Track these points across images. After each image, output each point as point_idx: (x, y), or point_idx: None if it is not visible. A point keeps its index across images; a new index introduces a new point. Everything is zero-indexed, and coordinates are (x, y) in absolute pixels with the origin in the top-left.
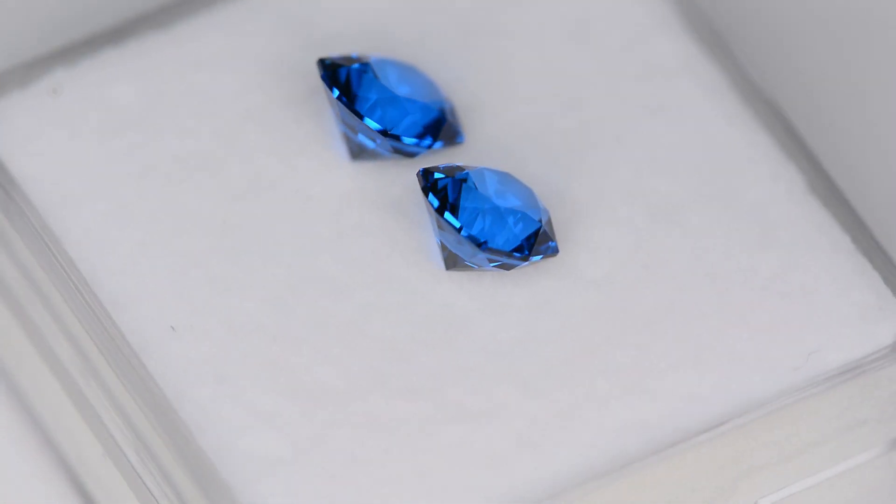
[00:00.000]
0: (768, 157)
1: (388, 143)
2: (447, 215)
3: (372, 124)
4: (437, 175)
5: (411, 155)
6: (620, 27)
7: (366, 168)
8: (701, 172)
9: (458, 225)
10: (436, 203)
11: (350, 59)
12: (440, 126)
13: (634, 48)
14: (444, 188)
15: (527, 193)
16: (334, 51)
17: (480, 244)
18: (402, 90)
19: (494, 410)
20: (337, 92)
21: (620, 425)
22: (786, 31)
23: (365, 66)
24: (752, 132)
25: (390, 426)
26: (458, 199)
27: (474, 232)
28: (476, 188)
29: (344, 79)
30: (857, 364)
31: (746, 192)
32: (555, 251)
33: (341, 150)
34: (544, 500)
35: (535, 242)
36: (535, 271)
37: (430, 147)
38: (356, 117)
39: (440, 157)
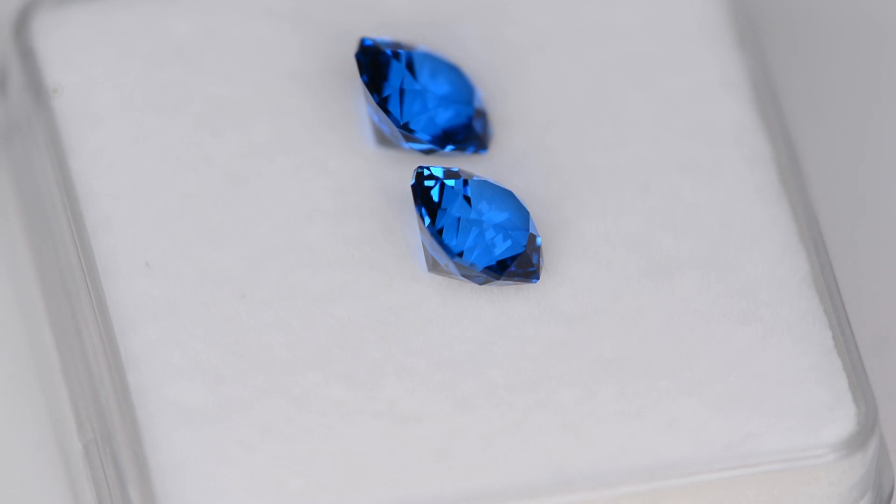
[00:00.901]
0: (782, 237)
1: (402, 134)
2: (426, 218)
3: (390, 113)
4: (432, 172)
5: (429, 152)
6: (687, 78)
7: (385, 155)
8: (710, 237)
9: (433, 228)
10: (420, 204)
11: (395, 45)
12: (465, 132)
13: (693, 101)
14: (433, 190)
15: (522, 216)
16: (399, 35)
17: (453, 254)
18: (433, 87)
19: (423, 417)
20: (365, 74)
21: (539, 460)
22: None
23: (401, 54)
24: (776, 208)
25: (318, 407)
26: (442, 203)
27: (448, 240)
28: (467, 198)
29: (377, 62)
30: (791, 456)
31: (745, 267)
32: (532, 278)
33: (368, 133)
34: None
35: (512, 265)
36: (513, 292)
37: (443, 149)
38: (375, 103)
39: (459, 162)
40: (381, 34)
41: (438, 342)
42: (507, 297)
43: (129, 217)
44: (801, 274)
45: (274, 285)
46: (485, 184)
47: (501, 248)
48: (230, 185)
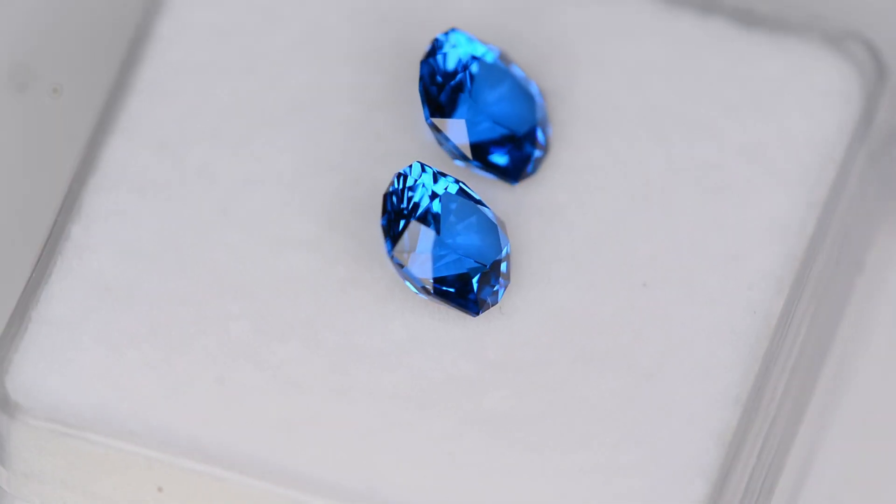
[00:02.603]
0: (776, 287)
1: (438, 137)
2: (383, 221)
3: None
4: (405, 175)
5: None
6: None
7: (426, 149)
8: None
9: (385, 227)
10: (384, 214)
11: (470, 47)
12: (510, 152)
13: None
14: (399, 193)
15: (490, 242)
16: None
17: (400, 265)
18: (488, 97)
19: (342, 408)
20: (422, 69)
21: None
22: None
23: (464, 59)
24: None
25: (218, 390)
26: (405, 210)
27: (390, 249)
28: (432, 209)
29: (438, 61)
30: None
31: (729, 320)
32: (475, 307)
33: (426, 133)
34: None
35: (457, 287)
36: (481, 321)
37: (469, 164)
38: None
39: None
40: (485, 35)
41: (376, 347)
42: (468, 325)
43: (129, 150)
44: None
45: (230, 254)
46: (460, 200)
47: (449, 267)
48: (250, 148)
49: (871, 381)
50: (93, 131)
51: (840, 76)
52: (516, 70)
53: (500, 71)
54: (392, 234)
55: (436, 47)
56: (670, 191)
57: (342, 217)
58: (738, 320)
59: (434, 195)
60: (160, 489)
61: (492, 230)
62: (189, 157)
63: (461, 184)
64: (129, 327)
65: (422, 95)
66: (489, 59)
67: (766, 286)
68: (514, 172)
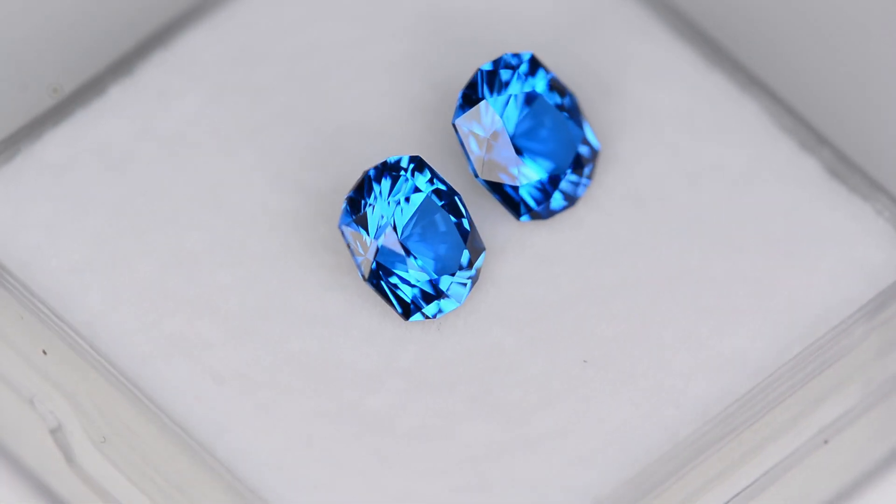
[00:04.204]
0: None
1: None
2: (352, 194)
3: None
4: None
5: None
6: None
7: (453, 162)
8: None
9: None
10: (347, 210)
11: (525, 78)
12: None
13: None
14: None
15: (450, 256)
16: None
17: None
18: (519, 128)
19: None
20: (465, 93)
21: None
22: None
23: (503, 88)
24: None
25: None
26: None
27: (359, 262)
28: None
29: (482, 85)
30: None
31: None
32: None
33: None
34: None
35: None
36: (445, 336)
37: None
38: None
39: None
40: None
41: (337, 348)
42: (426, 335)
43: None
44: None
45: (206, 235)
46: (412, 217)
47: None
48: (265, 133)
49: None
50: None
51: (880, 254)
52: (568, 101)
53: (546, 107)
54: (355, 214)
55: (498, 66)
56: (655, 284)
57: None
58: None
59: (416, 190)
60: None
61: (457, 245)
62: None
63: (457, 197)
64: None
65: (460, 100)
66: (541, 89)
67: (691, 409)
68: (536, 213)
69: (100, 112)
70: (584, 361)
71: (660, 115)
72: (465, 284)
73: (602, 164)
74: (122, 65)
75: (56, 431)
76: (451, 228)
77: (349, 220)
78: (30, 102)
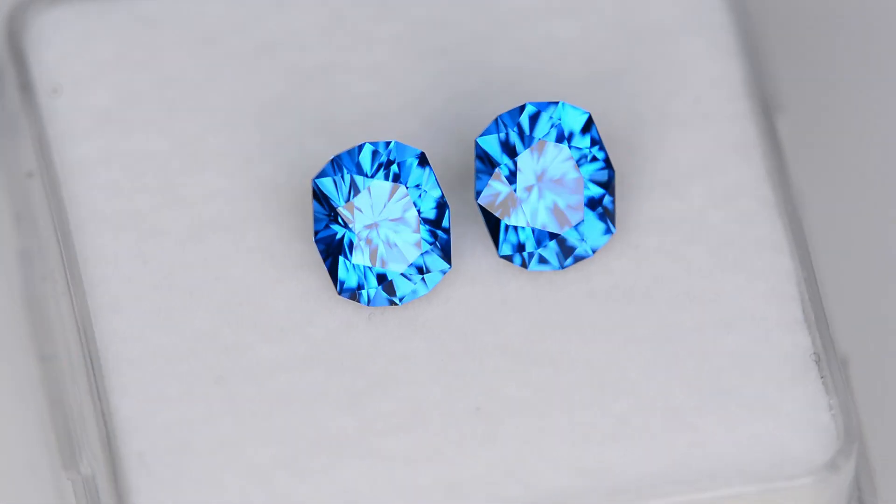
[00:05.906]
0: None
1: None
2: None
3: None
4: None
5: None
6: None
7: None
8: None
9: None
10: (319, 204)
11: (550, 116)
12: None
13: None
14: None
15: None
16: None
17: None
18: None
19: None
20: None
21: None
22: None
23: (521, 127)
24: None
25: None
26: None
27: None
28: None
29: (510, 119)
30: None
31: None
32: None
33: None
34: None
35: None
36: (373, 325)
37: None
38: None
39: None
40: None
41: (303, 343)
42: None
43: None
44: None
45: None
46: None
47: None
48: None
49: None
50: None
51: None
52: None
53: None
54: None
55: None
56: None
57: None
58: None
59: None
60: None
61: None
62: None
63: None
64: None
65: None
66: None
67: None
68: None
69: None
70: (478, 409)
71: None
72: (413, 283)
73: None
74: None
75: None
76: (421, 227)
77: (328, 177)
78: None
